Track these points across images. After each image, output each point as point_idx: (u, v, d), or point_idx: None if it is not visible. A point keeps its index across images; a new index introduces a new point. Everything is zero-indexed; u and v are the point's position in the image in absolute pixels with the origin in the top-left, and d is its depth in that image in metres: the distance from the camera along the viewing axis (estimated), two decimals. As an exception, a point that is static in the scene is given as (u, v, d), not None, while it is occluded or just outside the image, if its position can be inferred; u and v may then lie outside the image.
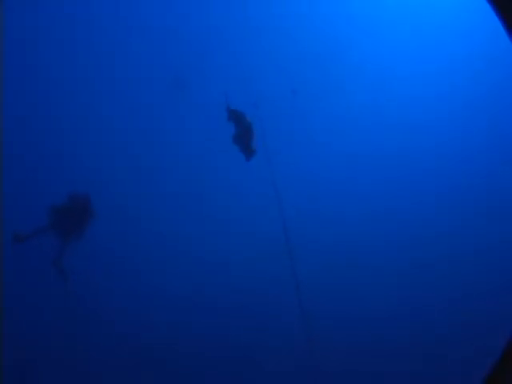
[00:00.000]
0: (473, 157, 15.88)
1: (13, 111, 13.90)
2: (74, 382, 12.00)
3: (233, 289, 14.18)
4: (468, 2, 15.28)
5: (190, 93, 15.94)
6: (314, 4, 16.28)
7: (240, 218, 14.98)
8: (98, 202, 10.12)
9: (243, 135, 10.08)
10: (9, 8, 13.57)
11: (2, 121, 13.03)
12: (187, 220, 15.09)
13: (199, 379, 12.75)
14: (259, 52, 15.67)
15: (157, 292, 14.21)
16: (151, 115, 16.00)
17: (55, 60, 15.51)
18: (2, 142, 12.70)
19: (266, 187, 13.15)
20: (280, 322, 13.37)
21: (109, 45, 15.80)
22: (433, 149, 15.99)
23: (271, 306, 13.74)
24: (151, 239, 14.95)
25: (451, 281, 13.86)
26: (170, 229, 15.00)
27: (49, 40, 15.34)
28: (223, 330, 13.51)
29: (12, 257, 12.08)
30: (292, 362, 12.57)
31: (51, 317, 13.07)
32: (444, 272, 14.08)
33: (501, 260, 13.79)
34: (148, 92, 15.95)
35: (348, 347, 12.80)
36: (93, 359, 12.62)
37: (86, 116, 15.56)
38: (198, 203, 15.23)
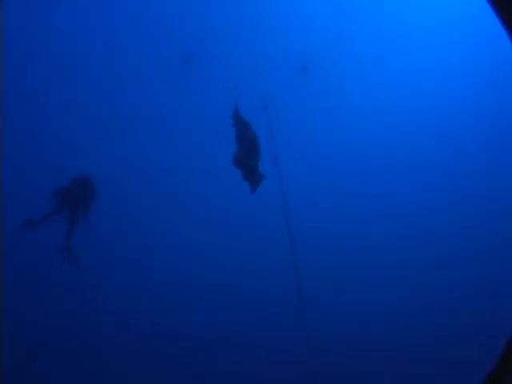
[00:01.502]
0: (474, 157, 15.90)
1: (14, 84, 13.82)
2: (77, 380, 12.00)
3: (234, 288, 14.19)
4: (469, 3, 15.28)
5: (201, 70, 15.82)
6: (316, 4, 16.31)
7: (244, 216, 14.95)
8: (103, 191, 10.15)
9: (247, 154, 7.90)
10: (9, 8, 13.55)
11: (2, 111, 13.04)
12: (189, 216, 15.10)
13: (197, 378, 12.73)
14: (272, 31, 15.45)
15: (158, 290, 14.24)
16: (160, 94, 15.92)
17: (62, 34, 15.44)
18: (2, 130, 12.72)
19: (271, 185, 13.02)
20: (281, 323, 13.34)
21: (115, 24, 15.71)
22: (436, 149, 16.02)
23: (272, 306, 13.73)
24: (152, 237, 14.99)
25: (452, 281, 13.85)
26: (172, 225, 15.01)
27: (55, 13, 15.25)
28: (223, 330, 13.50)
29: (12, 248, 12.15)
30: (292, 363, 12.57)
31: (52, 313, 13.09)
32: (445, 272, 14.08)
33: (501, 260, 13.79)
34: (157, 70, 15.86)
35: (349, 348, 12.80)
36: (93, 356, 12.63)
37: (91, 96, 15.53)
38: (202, 197, 15.19)
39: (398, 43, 16.60)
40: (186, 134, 15.69)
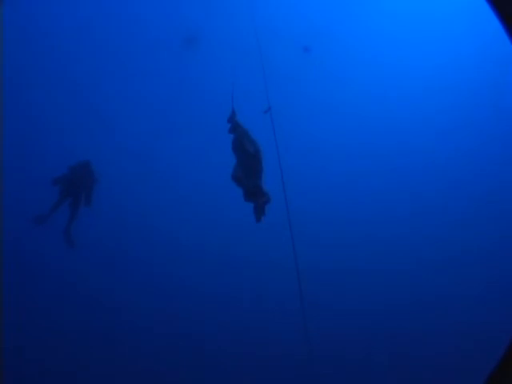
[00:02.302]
0: (474, 155, 15.84)
1: (13, 70, 13.78)
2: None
3: (234, 286, 14.15)
4: (468, 2, 15.22)
5: (202, 52, 15.73)
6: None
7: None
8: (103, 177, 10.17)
9: (247, 170, 6.32)
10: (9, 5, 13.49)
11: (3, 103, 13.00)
12: (189, 209, 15.05)
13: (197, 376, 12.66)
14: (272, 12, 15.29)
15: (157, 287, 14.22)
16: (162, 76, 15.83)
17: (61, 14, 15.41)
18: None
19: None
20: (280, 320, 13.27)
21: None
22: (432, 148, 15.96)
23: (272, 303, 13.67)
24: (151, 233, 15.00)
25: (452, 282, 13.78)
26: (172, 220, 14.97)
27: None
28: (223, 325, 13.45)
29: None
30: (292, 364, 12.53)
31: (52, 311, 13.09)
32: (445, 274, 14.01)
33: (502, 261, 13.70)
34: (159, 51, 15.78)
35: (348, 349, 12.75)
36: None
37: (94, 77, 15.50)
38: (202, 191, 15.11)
39: (398, 43, 16.56)
40: (186, 122, 15.65)
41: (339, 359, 12.45)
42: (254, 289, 14.01)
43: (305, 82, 16.27)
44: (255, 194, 6.29)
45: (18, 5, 14.59)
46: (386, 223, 15.28)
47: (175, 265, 14.56)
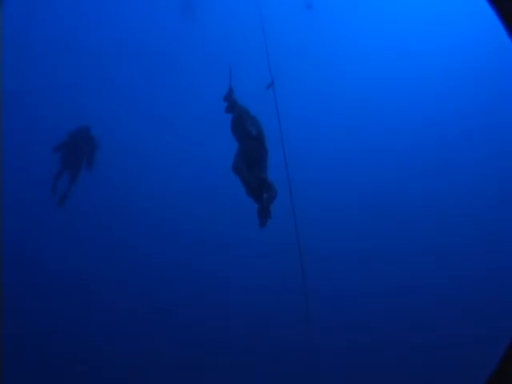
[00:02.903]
0: (472, 151, 15.83)
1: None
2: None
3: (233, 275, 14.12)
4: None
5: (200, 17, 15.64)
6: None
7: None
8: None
9: (249, 158, 5.55)
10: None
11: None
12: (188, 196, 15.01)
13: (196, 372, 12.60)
14: None
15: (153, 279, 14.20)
16: (160, 38, 15.75)
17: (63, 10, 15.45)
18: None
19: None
20: (283, 320, 13.21)
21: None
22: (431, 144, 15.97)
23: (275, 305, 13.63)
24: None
25: (452, 283, 13.72)
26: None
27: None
28: (224, 323, 13.42)
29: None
30: (292, 361, 12.49)
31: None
32: (446, 274, 13.95)
33: (504, 258, 13.64)
34: (155, 18, 15.71)
35: (349, 348, 12.71)
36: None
37: (92, 44, 15.46)
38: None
39: (396, 38, 16.54)
40: (184, 113, 15.58)
41: (342, 347, 12.40)
42: (253, 280, 13.96)
43: (306, 60, 16.17)
44: (259, 189, 5.50)
45: (18, 5, 14.58)
46: (392, 208, 15.24)
47: (175, 257, 14.54)
